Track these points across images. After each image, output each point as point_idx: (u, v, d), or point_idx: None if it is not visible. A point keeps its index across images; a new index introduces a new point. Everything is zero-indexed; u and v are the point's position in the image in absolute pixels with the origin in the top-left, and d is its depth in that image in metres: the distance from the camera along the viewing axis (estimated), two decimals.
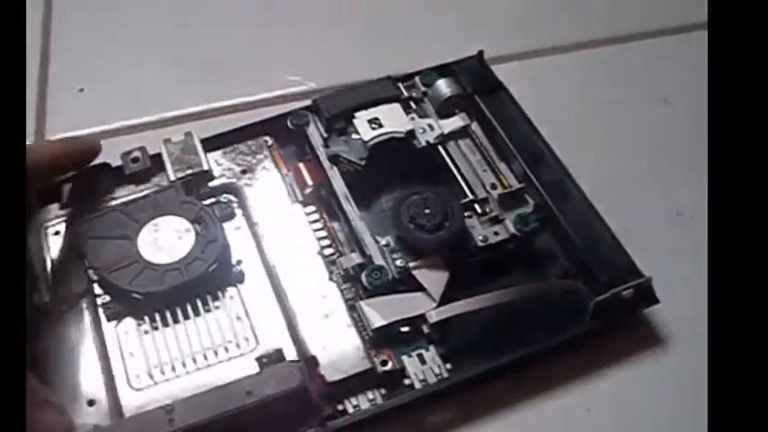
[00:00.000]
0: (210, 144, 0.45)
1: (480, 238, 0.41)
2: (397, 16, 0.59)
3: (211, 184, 0.44)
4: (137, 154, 0.44)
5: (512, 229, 0.42)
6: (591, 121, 0.51)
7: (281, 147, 0.47)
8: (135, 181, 0.44)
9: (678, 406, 0.39)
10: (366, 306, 0.39)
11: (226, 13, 0.59)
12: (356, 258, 0.41)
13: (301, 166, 0.45)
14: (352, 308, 0.39)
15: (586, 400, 0.39)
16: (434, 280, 0.40)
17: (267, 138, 0.46)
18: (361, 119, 0.45)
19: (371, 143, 0.44)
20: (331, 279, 0.40)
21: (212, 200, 0.44)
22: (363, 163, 0.44)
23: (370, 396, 0.37)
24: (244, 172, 0.45)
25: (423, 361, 0.38)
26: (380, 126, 0.45)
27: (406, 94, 0.47)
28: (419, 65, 0.49)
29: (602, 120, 0.52)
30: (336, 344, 0.38)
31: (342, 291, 0.40)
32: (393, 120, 0.45)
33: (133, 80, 0.54)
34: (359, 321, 0.39)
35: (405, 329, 0.39)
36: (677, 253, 0.44)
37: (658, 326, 0.41)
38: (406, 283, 0.40)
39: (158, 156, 0.44)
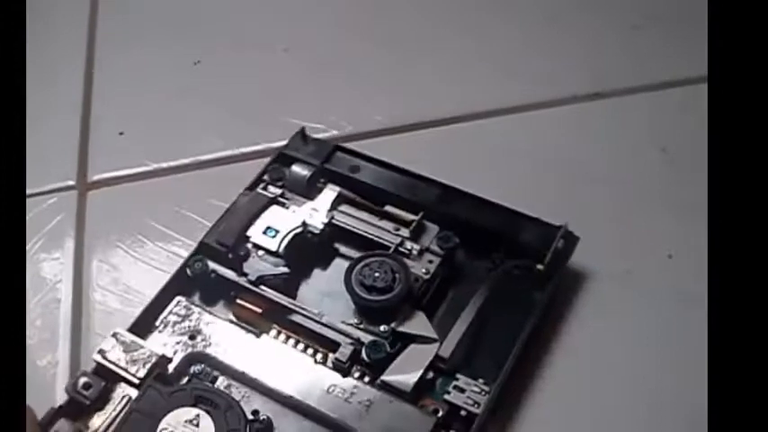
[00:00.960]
0: (140, 330, 0.44)
1: (423, 271, 0.46)
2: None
3: (173, 365, 0.43)
4: (85, 380, 0.42)
5: (440, 251, 0.47)
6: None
7: (201, 299, 0.47)
8: (99, 406, 0.42)
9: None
10: (390, 377, 0.42)
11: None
12: (348, 347, 0.43)
13: (239, 302, 0.46)
14: (380, 387, 0.42)
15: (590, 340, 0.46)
16: (419, 324, 0.44)
17: (180, 297, 0.46)
18: (256, 235, 0.47)
19: (281, 249, 0.47)
20: (347, 375, 0.43)
21: (188, 378, 0.43)
22: (287, 270, 0.46)
23: None
24: (193, 337, 0.44)
25: (461, 390, 0.42)
26: (277, 231, 0.47)
27: (271, 194, 0.50)
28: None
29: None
30: (394, 422, 0.41)
31: (361, 379, 0.43)
32: (282, 221, 0.48)
33: (170, 123, 0.61)
34: (392, 394, 0.42)
35: (429, 376, 0.43)
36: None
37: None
38: (400, 340, 0.44)
39: (102, 368, 0.42)
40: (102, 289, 0.51)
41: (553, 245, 0.46)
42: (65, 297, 0.51)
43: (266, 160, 0.53)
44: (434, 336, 0.44)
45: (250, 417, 0.41)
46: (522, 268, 0.46)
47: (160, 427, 0.40)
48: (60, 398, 0.43)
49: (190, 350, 0.44)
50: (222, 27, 0.68)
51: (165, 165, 0.58)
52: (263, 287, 0.46)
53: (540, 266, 0.46)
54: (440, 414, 0.41)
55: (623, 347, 0.45)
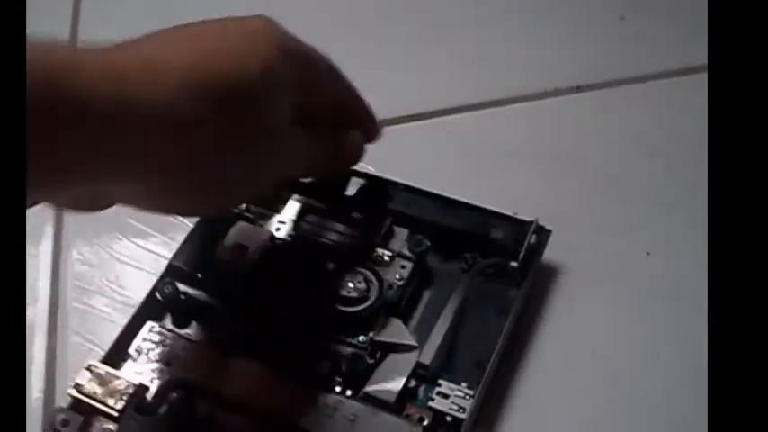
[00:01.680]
0: (114, 360, 0.44)
1: (397, 277, 0.46)
2: None
3: (150, 393, 0.42)
4: (62, 417, 0.41)
5: (412, 255, 0.47)
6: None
7: (173, 322, 0.46)
8: None
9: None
10: (372, 388, 0.42)
11: None
12: (327, 362, 0.43)
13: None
14: (363, 399, 0.42)
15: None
16: (397, 332, 0.44)
17: (152, 323, 0.45)
18: (223, 253, 0.47)
19: (250, 265, 0.46)
20: (329, 390, 0.42)
21: (167, 405, 0.42)
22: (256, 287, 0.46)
23: None
24: (168, 363, 0.44)
25: (445, 395, 0.42)
26: (246, 248, 0.47)
27: (236, 210, 0.49)
28: None
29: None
30: None
31: (343, 393, 0.42)
32: (250, 236, 0.47)
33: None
34: (376, 405, 0.42)
35: (412, 384, 0.43)
36: None
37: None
38: (379, 350, 0.43)
39: (79, 402, 0.41)
40: (79, 287, 0.51)
41: (525, 241, 0.46)
42: (42, 296, 0.51)
43: None
44: (413, 343, 0.43)
45: None
46: (495, 267, 0.46)
47: None
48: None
49: (167, 376, 0.43)
50: None
51: None
52: (233, 306, 0.45)
53: (513, 264, 0.46)
54: (425, 422, 0.41)
55: (601, 343, 0.46)
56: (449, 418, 0.41)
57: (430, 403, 0.42)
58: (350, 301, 0.44)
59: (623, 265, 0.48)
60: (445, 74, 0.61)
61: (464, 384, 0.42)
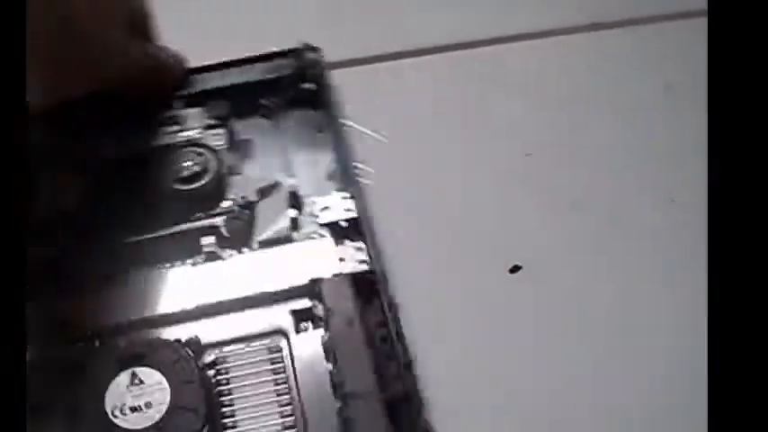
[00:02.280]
0: None
1: (222, 143, 0.47)
2: None
3: None
4: None
5: (220, 121, 0.47)
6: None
7: None
8: None
9: None
10: (265, 235, 0.43)
11: None
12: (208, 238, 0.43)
13: None
14: (262, 246, 0.43)
15: None
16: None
17: None
18: None
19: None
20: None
21: None
22: None
23: None
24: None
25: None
26: None
27: None
28: None
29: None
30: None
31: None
32: None
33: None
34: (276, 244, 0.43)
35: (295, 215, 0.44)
36: None
37: None
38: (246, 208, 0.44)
39: None
40: None
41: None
42: None
43: None
44: (277, 180, 0.45)
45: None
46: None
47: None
48: None
49: None
50: None
51: None
52: None
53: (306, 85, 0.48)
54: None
55: None
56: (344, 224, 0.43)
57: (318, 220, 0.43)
58: (195, 178, 0.44)
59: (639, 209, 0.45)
60: (450, 8, 0.55)
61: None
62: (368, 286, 0.40)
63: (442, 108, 0.50)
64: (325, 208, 0.43)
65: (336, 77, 0.49)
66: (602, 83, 0.50)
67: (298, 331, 0.39)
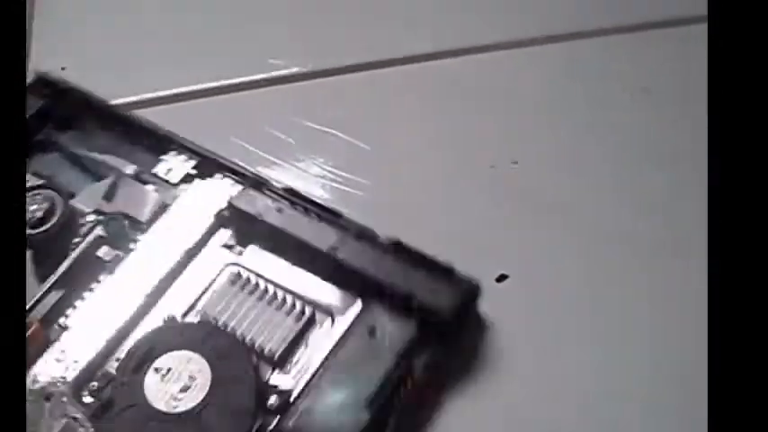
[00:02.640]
0: None
1: None
2: None
3: None
4: None
5: None
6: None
7: None
8: None
9: None
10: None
11: None
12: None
13: None
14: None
15: None
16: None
17: None
18: None
19: None
20: None
21: None
22: None
23: None
24: None
25: None
26: None
27: None
28: None
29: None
30: None
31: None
32: None
33: (115, 59, 0.55)
34: None
35: None
36: None
37: None
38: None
39: None
40: None
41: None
42: None
43: None
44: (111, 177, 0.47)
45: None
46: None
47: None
48: None
49: None
50: None
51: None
52: None
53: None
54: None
55: None
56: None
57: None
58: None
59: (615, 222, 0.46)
60: (431, 17, 0.56)
61: None
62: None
63: (425, 117, 0.51)
64: (169, 170, 0.47)
65: (312, 87, 0.52)
66: (581, 90, 0.51)
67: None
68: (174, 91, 0.54)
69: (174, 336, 0.41)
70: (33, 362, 0.40)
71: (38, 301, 0.42)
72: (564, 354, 0.41)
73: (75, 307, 0.42)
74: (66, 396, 0.39)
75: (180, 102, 0.54)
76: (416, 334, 0.41)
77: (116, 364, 0.41)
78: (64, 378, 0.40)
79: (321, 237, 0.44)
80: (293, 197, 0.45)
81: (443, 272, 0.42)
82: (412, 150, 0.49)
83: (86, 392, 0.40)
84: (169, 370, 0.39)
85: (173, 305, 0.43)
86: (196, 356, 0.40)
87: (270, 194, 0.45)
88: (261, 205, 0.45)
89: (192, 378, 0.39)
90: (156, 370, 0.39)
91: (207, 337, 0.41)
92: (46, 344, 0.41)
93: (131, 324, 0.42)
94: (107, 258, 0.44)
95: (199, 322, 0.42)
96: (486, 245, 0.45)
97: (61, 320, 0.42)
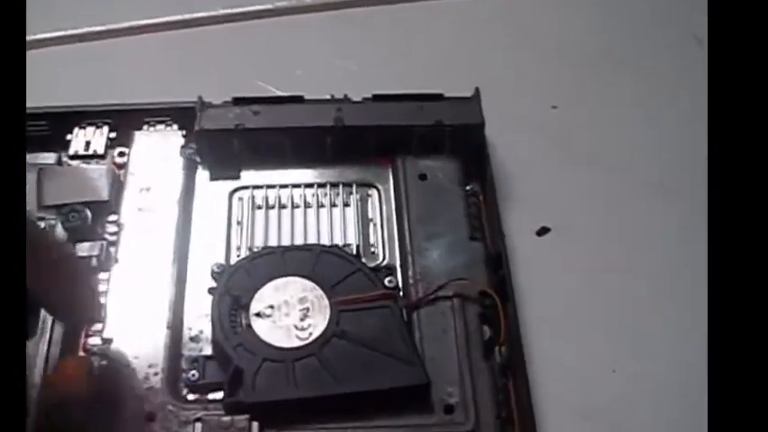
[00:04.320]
0: None
1: None
2: None
3: None
4: None
5: None
6: None
7: None
8: None
9: None
10: None
11: None
12: None
13: None
14: None
15: None
16: None
17: None
18: None
19: None
20: None
21: None
22: None
23: None
24: None
25: None
26: None
27: None
28: None
29: None
30: None
31: None
32: None
33: None
34: None
35: None
36: None
37: None
38: None
39: None
40: None
41: None
42: None
43: None
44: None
45: None
46: None
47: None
48: None
49: None
50: None
51: None
52: None
53: None
54: None
55: None
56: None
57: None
58: None
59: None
60: None
61: None
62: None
63: (467, 55, 0.48)
64: (88, 143, 0.39)
65: None
66: (628, 40, 0.49)
67: None
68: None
69: (243, 275, 0.34)
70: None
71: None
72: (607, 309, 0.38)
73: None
74: (173, 405, 0.30)
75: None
76: (459, 160, 0.39)
77: (192, 344, 0.33)
78: (151, 387, 0.31)
79: (318, 115, 0.38)
80: (253, 100, 0.39)
81: (445, 98, 0.40)
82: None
83: (185, 387, 0.31)
84: (271, 307, 0.32)
85: (204, 259, 0.35)
86: (284, 281, 0.33)
87: (230, 105, 0.38)
88: (233, 116, 0.38)
89: (302, 300, 0.33)
90: (259, 315, 0.32)
91: (283, 258, 0.34)
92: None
93: (177, 302, 0.34)
94: (94, 253, 0.35)
95: (259, 254, 0.35)
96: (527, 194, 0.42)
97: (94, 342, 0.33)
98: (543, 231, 0.40)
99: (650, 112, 0.45)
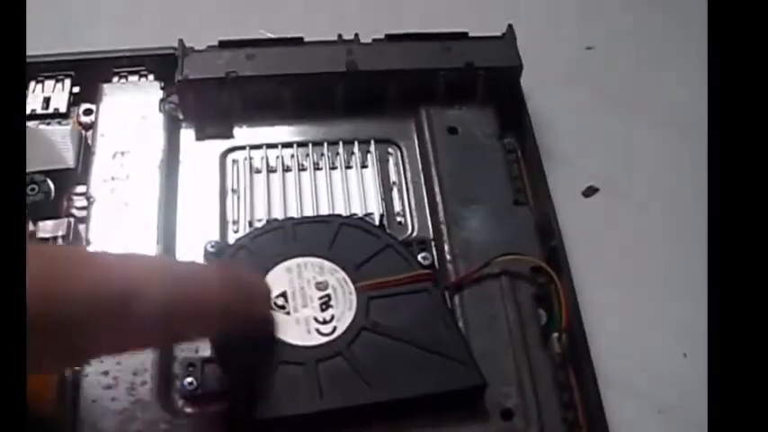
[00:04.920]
0: None
1: None
2: None
3: None
4: None
5: None
6: None
7: None
8: None
9: None
10: None
11: None
12: None
13: None
14: None
15: None
16: None
17: None
18: None
19: None
20: None
21: None
22: None
23: None
24: None
25: None
26: None
27: None
28: None
29: None
30: None
31: None
32: None
33: None
34: None
35: None
36: None
37: None
38: None
39: None
40: None
41: None
42: None
43: None
44: None
45: None
46: None
47: None
48: None
49: None
50: None
51: None
52: None
53: None
54: None
55: None
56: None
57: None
58: None
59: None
60: None
61: None
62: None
63: None
64: (47, 101, 0.33)
65: None
66: None
67: None
68: None
69: (246, 256, 0.27)
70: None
71: None
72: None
73: None
74: (167, 421, 0.24)
75: None
76: (493, 107, 0.33)
77: (186, 345, 0.26)
78: (139, 400, 0.25)
79: (325, 59, 0.32)
80: (246, 42, 0.32)
81: (472, 38, 0.34)
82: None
83: (180, 398, 0.25)
84: (283, 296, 0.26)
85: (195, 236, 0.29)
86: (297, 262, 0.27)
87: (217, 50, 0.32)
88: (222, 62, 0.31)
89: (321, 285, 0.26)
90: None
91: (294, 233, 0.28)
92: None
93: None
94: (59, 233, 0.29)
95: (264, 229, 0.28)
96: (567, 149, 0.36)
97: None
98: (590, 192, 0.35)
99: (694, 52, 0.39)
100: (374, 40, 0.33)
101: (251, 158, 0.31)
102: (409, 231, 0.30)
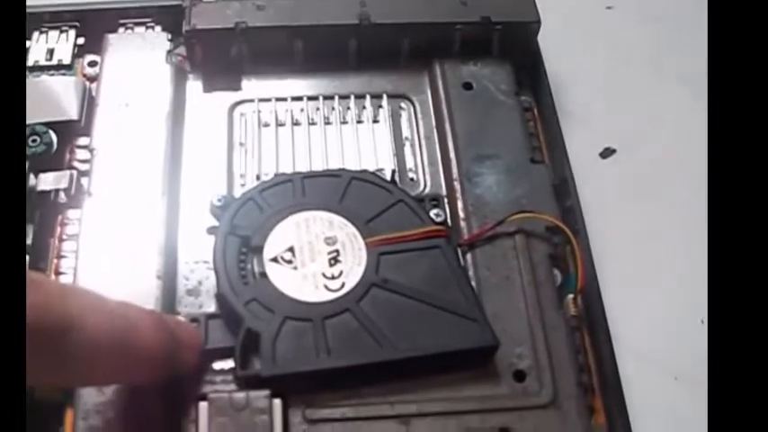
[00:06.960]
0: None
1: None
2: None
3: None
4: None
5: None
6: None
7: None
8: None
9: None
10: None
11: None
12: None
13: None
14: None
15: None
16: None
17: None
18: None
19: None
20: None
21: None
22: None
23: None
24: None
25: None
26: None
27: None
28: None
29: None
30: None
31: None
32: None
33: None
34: None
35: None
36: None
37: None
38: None
39: None
40: None
41: None
42: None
43: None
44: None
45: None
46: None
47: None
48: None
49: None
50: None
51: None
52: None
53: None
54: None
55: None
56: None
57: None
58: None
59: None
60: None
61: None
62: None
63: None
64: (50, 52, 0.32)
65: None
66: None
67: None
68: None
69: (253, 209, 0.26)
70: None
71: None
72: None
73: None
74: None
75: None
76: (509, 64, 0.32)
77: (189, 299, 0.26)
78: None
79: (338, 11, 0.31)
80: None
81: None
82: None
83: None
84: (291, 250, 0.25)
85: (201, 190, 0.28)
86: (306, 216, 0.26)
87: (225, 0, 0.31)
88: (231, 12, 0.30)
89: (330, 240, 0.26)
90: (276, 260, 0.25)
91: (303, 187, 0.27)
92: None
93: (169, 246, 0.27)
94: (61, 186, 0.28)
95: (272, 182, 0.27)
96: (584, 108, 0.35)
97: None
98: (608, 153, 0.34)
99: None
100: None
101: (259, 112, 0.30)
102: (422, 188, 0.29)
